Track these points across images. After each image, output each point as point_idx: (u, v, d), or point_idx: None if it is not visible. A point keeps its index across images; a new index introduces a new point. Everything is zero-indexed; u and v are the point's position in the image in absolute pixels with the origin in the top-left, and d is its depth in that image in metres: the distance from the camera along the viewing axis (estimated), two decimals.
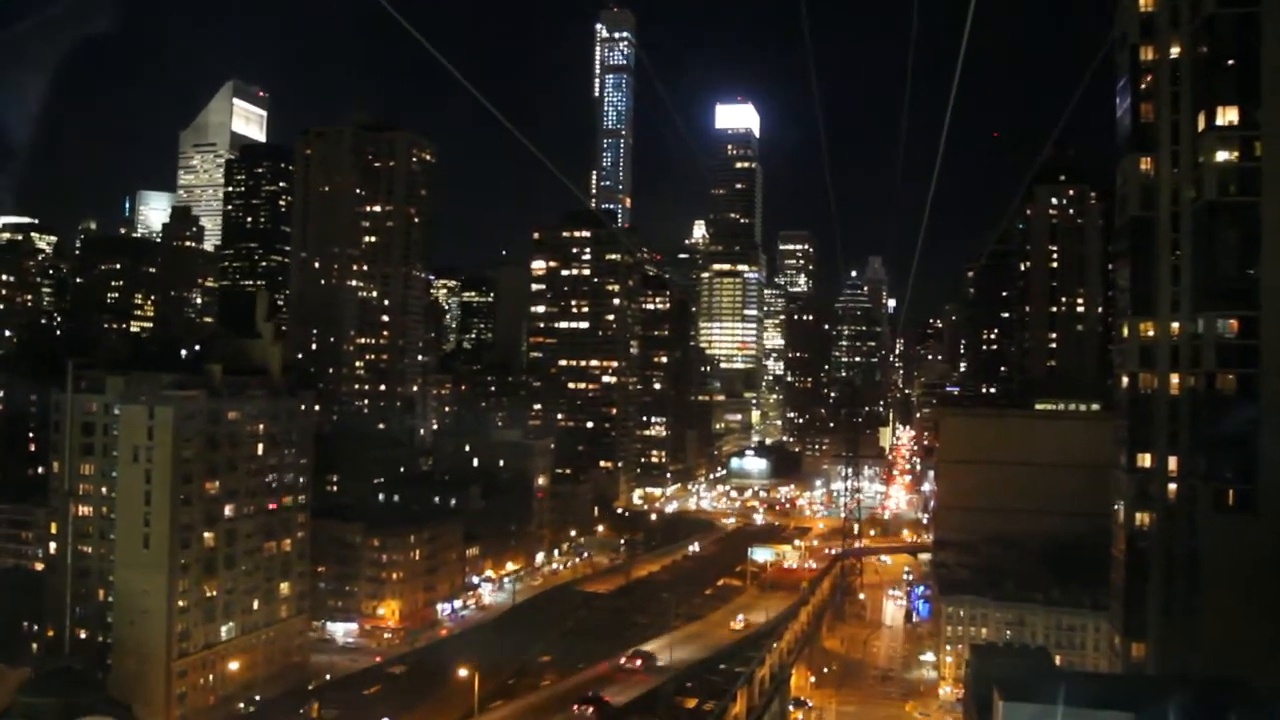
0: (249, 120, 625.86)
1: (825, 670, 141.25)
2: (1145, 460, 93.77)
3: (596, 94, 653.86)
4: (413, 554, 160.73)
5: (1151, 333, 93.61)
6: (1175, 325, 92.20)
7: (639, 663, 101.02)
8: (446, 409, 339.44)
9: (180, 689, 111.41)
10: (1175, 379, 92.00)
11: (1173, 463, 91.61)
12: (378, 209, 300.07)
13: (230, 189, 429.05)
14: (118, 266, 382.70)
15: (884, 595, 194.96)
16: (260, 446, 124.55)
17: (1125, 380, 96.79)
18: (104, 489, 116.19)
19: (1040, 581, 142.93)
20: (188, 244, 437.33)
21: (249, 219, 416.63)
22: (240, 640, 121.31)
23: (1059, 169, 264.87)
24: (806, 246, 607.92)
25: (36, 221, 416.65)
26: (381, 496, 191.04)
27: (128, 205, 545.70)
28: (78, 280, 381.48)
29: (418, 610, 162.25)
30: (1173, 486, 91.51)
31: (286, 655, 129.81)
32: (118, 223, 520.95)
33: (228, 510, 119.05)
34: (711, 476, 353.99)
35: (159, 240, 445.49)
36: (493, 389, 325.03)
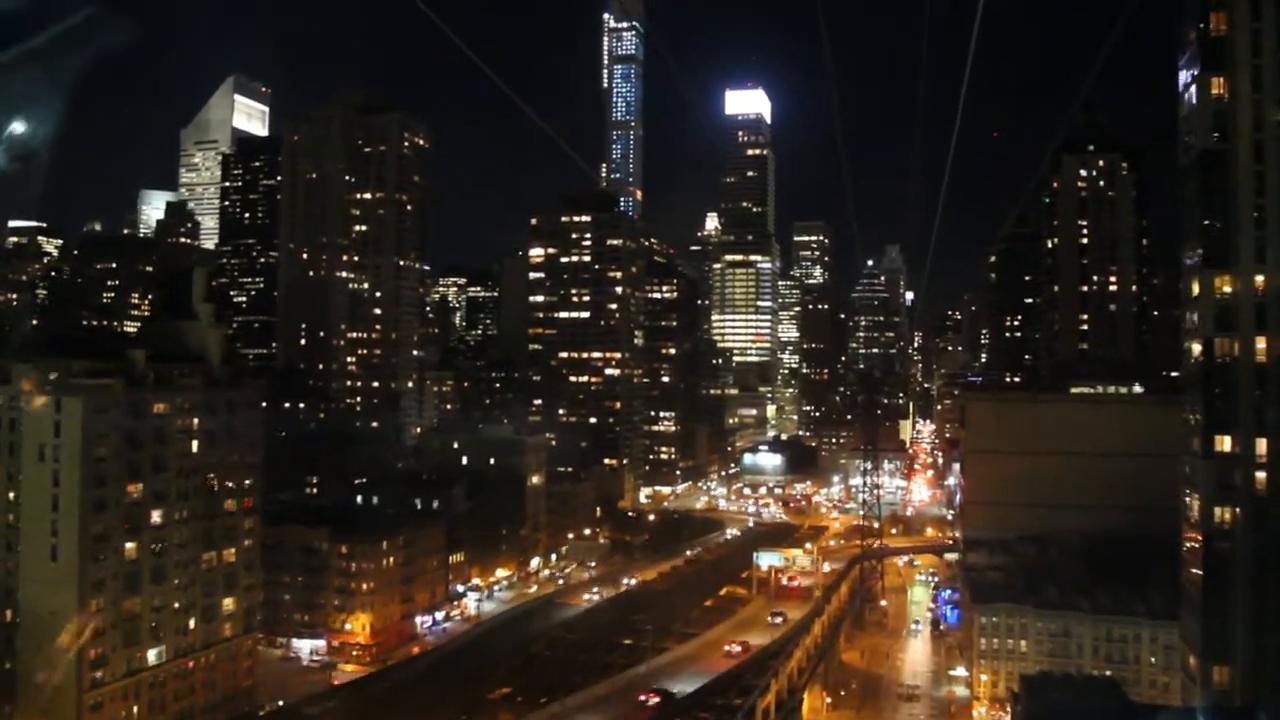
0: (251, 116, 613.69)
1: (842, 692, 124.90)
2: (1225, 444, 77.59)
3: (605, 85, 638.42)
4: (386, 561, 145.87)
5: (1230, 289, 77.48)
6: (1260, 278, 76.00)
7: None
8: (448, 406, 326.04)
9: None
10: (1262, 343, 75.64)
11: (1262, 446, 75.33)
12: (368, 196, 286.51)
13: (227, 184, 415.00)
14: (113, 265, 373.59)
15: (907, 600, 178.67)
16: (195, 444, 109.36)
17: (1197, 348, 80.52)
18: (11, 493, 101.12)
19: (1083, 585, 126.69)
20: (182, 240, 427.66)
21: (246, 214, 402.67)
22: (173, 665, 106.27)
23: (1087, 137, 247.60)
24: (822, 237, 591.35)
25: (45, 225, 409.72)
26: (360, 499, 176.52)
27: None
28: (78, 280, 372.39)
29: (392, 624, 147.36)
30: (1262, 475, 75.19)
31: (232, 680, 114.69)
32: (124, 224, 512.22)
33: (155, 517, 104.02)
34: (724, 473, 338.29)
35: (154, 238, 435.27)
36: (497, 385, 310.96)
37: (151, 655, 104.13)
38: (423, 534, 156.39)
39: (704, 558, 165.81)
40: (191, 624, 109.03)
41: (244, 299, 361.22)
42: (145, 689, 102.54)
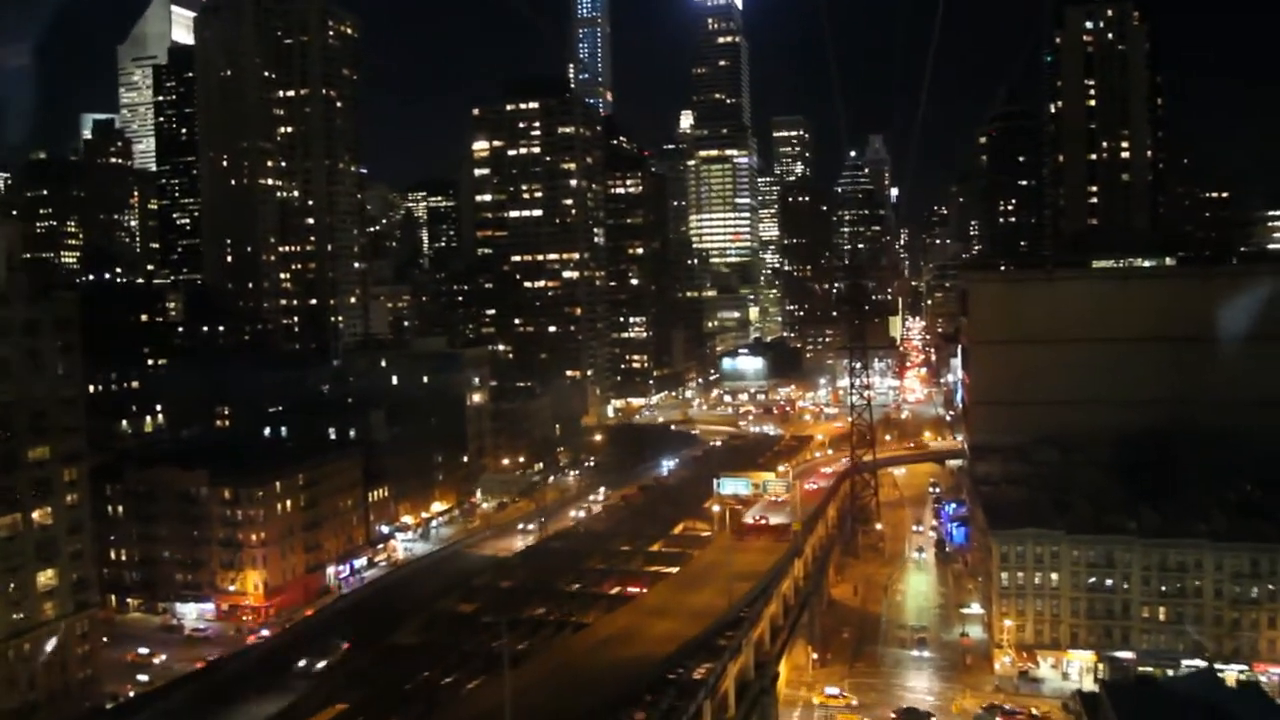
0: (190, 28, 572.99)
1: (829, 655, 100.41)
2: None
3: None
4: (281, 505, 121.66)
5: None
6: None
7: None
8: (405, 322, 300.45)
9: None
10: None
11: None
12: (292, 94, 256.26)
13: (161, 99, 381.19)
14: (44, 193, 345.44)
15: (907, 518, 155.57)
16: None
17: None
18: None
19: (1121, 499, 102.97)
20: (113, 161, 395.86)
21: (183, 130, 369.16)
22: None
23: None
24: (801, 132, 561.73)
25: None
26: (267, 430, 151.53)
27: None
28: (13, 212, 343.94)
29: (295, 579, 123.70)
30: None
31: (59, 671, 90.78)
32: (69, 150, 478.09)
33: None
34: (702, 381, 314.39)
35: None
36: (459, 298, 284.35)
37: None
38: (332, 468, 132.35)
39: (662, 483, 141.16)
40: None
41: (187, 220, 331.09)
42: None
